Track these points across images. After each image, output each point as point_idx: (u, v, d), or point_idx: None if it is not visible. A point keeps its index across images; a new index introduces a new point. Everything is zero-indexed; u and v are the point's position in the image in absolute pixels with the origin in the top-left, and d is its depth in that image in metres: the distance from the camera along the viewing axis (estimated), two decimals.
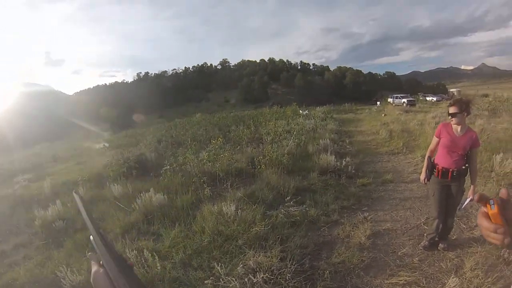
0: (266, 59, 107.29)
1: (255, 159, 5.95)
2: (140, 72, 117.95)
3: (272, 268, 2.62)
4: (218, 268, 2.64)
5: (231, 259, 2.88)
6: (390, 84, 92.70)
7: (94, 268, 0.62)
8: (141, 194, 4.41)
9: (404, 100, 27.06)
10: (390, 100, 30.70)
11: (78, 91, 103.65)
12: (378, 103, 32.62)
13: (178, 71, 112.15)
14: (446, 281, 2.45)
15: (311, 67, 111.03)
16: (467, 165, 2.76)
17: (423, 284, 2.50)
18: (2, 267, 3.49)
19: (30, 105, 52.06)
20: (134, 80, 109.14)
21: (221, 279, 2.55)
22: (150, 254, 2.89)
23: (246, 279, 2.50)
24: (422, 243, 3.06)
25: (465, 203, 2.81)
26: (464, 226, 3.41)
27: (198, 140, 9.97)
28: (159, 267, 2.76)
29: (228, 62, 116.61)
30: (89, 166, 8.88)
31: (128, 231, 3.81)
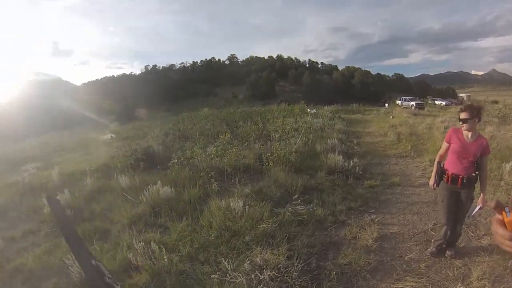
0: (274, 56, 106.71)
1: (263, 156, 5.94)
2: (148, 65, 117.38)
3: (278, 266, 2.62)
4: (225, 263, 2.66)
5: (238, 255, 2.90)
6: (399, 86, 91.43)
7: None
8: (149, 187, 4.42)
9: (413, 103, 26.67)
10: (398, 102, 30.38)
11: (86, 82, 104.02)
12: (387, 104, 32.24)
13: (186, 65, 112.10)
14: None
15: (319, 66, 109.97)
16: (477, 172, 2.72)
17: None
18: (11, 253, 3.55)
19: (39, 94, 52.64)
20: (141, 72, 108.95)
21: (227, 275, 2.56)
22: (157, 246, 2.90)
23: (252, 276, 2.51)
24: (429, 249, 3.03)
25: (474, 211, 2.77)
26: (472, 234, 3.38)
27: (206, 134, 9.97)
28: (166, 260, 2.77)
29: (236, 57, 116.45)
30: (96, 156, 8.93)
31: (135, 222, 3.83)
